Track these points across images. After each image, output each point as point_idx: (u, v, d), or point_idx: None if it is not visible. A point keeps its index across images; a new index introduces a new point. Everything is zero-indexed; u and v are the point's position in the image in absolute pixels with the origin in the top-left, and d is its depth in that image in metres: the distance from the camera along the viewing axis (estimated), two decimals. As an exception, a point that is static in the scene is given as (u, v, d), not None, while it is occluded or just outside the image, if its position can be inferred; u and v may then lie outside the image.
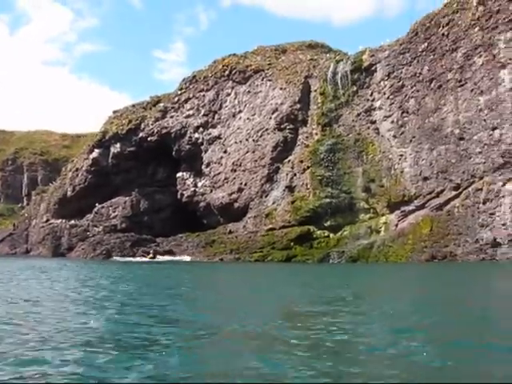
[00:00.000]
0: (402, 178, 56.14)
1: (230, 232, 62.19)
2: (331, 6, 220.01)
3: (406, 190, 55.52)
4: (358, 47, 63.79)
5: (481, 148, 49.93)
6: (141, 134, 72.99)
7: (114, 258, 62.95)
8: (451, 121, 52.67)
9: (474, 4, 51.43)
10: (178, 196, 70.28)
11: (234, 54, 69.96)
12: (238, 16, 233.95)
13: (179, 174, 70.69)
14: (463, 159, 51.39)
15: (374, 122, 59.28)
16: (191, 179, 69.21)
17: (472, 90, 51.09)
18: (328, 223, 58.46)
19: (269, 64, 66.89)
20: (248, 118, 65.48)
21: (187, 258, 60.17)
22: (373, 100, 59.45)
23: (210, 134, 68.14)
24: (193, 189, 68.86)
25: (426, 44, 55.66)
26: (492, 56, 49.41)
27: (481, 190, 49.69)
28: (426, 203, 54.04)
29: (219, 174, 66.62)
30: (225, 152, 66.47)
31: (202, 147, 68.75)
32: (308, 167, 60.50)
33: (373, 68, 59.78)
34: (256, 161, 63.15)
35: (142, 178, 73.01)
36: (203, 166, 68.29)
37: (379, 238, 55.25)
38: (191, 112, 69.70)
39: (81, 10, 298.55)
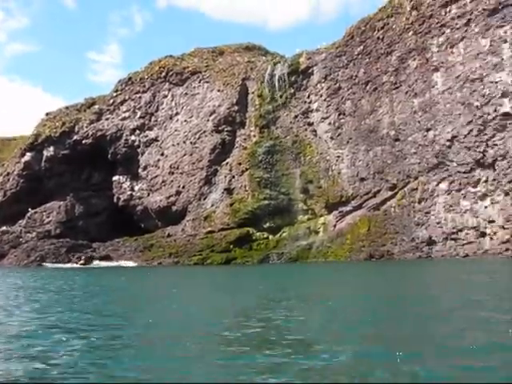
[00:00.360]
0: (340, 178, 56.35)
1: (169, 235, 60.82)
2: (267, 10, 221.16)
3: (343, 190, 55.74)
4: (294, 50, 63.89)
5: (415, 149, 50.69)
6: (75, 137, 70.45)
7: (45, 264, 60.26)
8: (387, 122, 53.28)
9: (408, 9, 52.24)
10: (115, 200, 68.17)
11: (171, 56, 68.49)
12: (174, 18, 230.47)
13: (115, 178, 68.63)
14: (399, 160, 52.04)
15: (311, 124, 59.30)
16: (128, 183, 67.31)
17: (406, 93, 51.83)
18: (267, 225, 58.08)
19: (206, 66, 65.92)
20: (185, 120, 64.29)
21: (127, 263, 58.19)
22: (310, 102, 59.46)
23: (146, 136, 66.50)
24: (129, 192, 67.02)
25: (361, 47, 56.13)
26: (425, 59, 50.28)
27: (416, 189, 50.45)
28: (363, 203, 54.42)
29: (156, 177, 65.08)
30: (162, 155, 65.02)
31: (139, 150, 67.02)
32: (246, 169, 59.95)
33: (310, 71, 59.81)
34: (194, 163, 62.06)
35: (76, 182, 70.45)
36: (140, 169, 66.57)
37: (318, 239, 55.28)
38: (127, 114, 67.84)
39: (10, 9, 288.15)
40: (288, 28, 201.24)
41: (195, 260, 56.42)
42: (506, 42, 44.85)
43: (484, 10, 46.16)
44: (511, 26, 44.94)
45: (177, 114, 65.28)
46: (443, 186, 48.62)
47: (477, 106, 46.03)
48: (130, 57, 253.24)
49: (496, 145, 45.18)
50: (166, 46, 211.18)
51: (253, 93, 62.16)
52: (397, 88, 52.67)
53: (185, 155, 62.94)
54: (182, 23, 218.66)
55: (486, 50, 45.98)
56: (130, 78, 69.38)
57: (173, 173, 63.43)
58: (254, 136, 60.81)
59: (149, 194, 65.32)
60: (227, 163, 60.92)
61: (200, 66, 65.95)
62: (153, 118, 66.52)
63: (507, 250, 44.20)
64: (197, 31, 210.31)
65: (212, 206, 60.63)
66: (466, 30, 47.49)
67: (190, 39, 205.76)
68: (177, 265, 56.10)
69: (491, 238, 45.60)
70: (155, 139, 65.93)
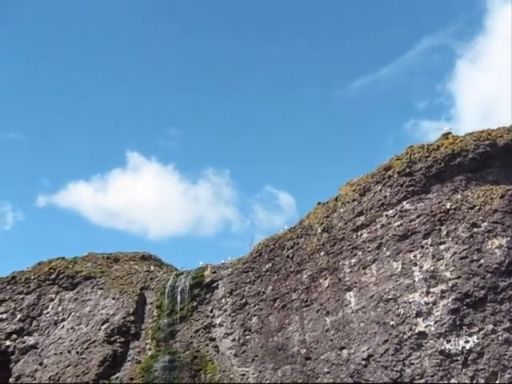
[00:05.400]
0: (245, 399, 54.46)
1: None
2: (147, 219, 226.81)
3: (248, 412, 53.60)
4: (174, 261, 65.84)
5: (329, 368, 51.27)
6: None
7: None
8: (297, 340, 54.15)
9: (319, 231, 56.80)
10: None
11: (63, 258, 67.03)
12: (52, 218, 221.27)
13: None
14: (310, 379, 52.04)
15: (213, 340, 58.77)
16: (-8, 393, 59.64)
17: (318, 311, 53.85)
18: None
19: (101, 272, 64.85)
20: (72, 328, 60.77)
21: None
22: (213, 317, 59.62)
23: (24, 342, 61.30)
24: (-8, 404, 59.12)
25: (270, 264, 58.93)
26: (338, 279, 53.52)
27: (329, 409, 49.85)
28: (271, 428, 52.32)
29: (31, 390, 58.51)
30: (41, 364, 59.60)
31: (13, 357, 61.01)
32: (139, 385, 56.22)
33: (214, 284, 60.98)
34: (78, 376, 57.26)
35: None
36: (11, 380, 59.79)
37: None
38: (5, 316, 62.88)
39: None
40: (168, 238, 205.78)
41: None
42: (416, 265, 49.59)
43: (394, 235, 51.51)
44: (420, 251, 50.16)
45: (63, 320, 61.82)
46: (358, 406, 48.63)
47: (392, 326, 48.71)
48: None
49: (413, 364, 47.18)
50: (40, 246, 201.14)
51: (151, 303, 61.48)
52: (307, 306, 54.70)
53: (69, 366, 58.13)
54: (60, 224, 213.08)
55: (398, 272, 50.32)
56: (13, 277, 65.60)
57: (52, 386, 57.52)
58: (150, 349, 58.58)
59: (18, 411, 57.88)
60: (117, 377, 56.96)
61: (95, 271, 64.74)
62: (34, 323, 62.18)
63: None
64: (76, 234, 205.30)
65: (94, 426, 54.78)
66: (377, 253, 52.11)
67: (68, 241, 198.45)
68: None
69: None
70: (34, 346, 60.92)
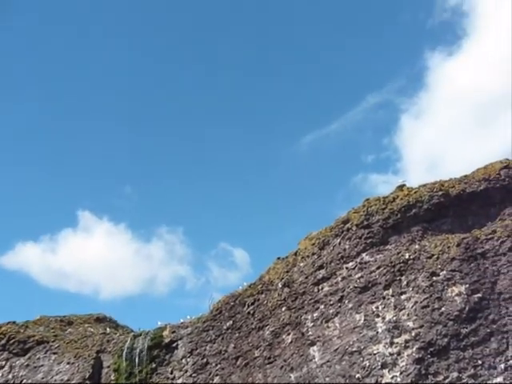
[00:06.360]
0: None
1: None
2: (99, 280, 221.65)
3: None
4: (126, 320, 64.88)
5: (297, 421, 50.68)
6: None
7: None
8: (261, 398, 53.40)
9: (280, 286, 57.08)
10: None
11: (14, 322, 64.89)
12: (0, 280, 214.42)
13: None
14: None
15: (175, 401, 57.27)
16: None
17: (282, 367, 53.57)
18: None
19: (54, 336, 63.03)
20: (23, 393, 58.34)
21: None
22: (173, 378, 58.55)
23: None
24: None
25: (230, 322, 58.63)
26: (301, 334, 53.61)
27: None
28: None
29: None
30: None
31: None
32: None
33: (174, 344, 59.97)
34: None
35: None
36: None
37: None
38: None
39: None
40: (120, 299, 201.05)
41: None
42: (378, 316, 50.31)
43: (355, 287, 52.28)
44: (382, 302, 51.01)
45: (13, 387, 59.26)
46: None
47: (358, 378, 48.92)
48: None
49: (381, 415, 47.22)
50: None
51: (108, 367, 59.94)
52: (271, 363, 54.42)
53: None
54: (8, 287, 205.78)
55: (361, 324, 50.86)
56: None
57: None
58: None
59: None
60: None
61: (48, 335, 62.87)
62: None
63: None
64: (25, 297, 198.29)
65: None
66: (339, 306, 52.65)
67: (17, 305, 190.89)
68: None
69: None
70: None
